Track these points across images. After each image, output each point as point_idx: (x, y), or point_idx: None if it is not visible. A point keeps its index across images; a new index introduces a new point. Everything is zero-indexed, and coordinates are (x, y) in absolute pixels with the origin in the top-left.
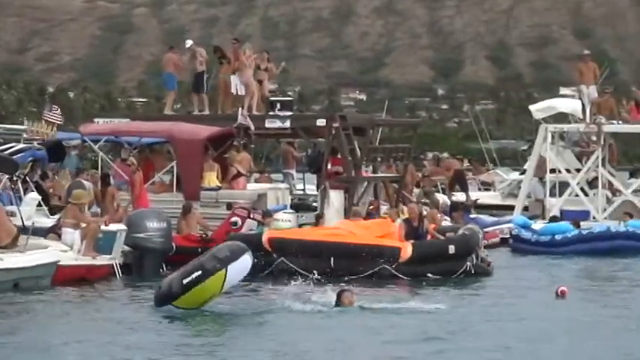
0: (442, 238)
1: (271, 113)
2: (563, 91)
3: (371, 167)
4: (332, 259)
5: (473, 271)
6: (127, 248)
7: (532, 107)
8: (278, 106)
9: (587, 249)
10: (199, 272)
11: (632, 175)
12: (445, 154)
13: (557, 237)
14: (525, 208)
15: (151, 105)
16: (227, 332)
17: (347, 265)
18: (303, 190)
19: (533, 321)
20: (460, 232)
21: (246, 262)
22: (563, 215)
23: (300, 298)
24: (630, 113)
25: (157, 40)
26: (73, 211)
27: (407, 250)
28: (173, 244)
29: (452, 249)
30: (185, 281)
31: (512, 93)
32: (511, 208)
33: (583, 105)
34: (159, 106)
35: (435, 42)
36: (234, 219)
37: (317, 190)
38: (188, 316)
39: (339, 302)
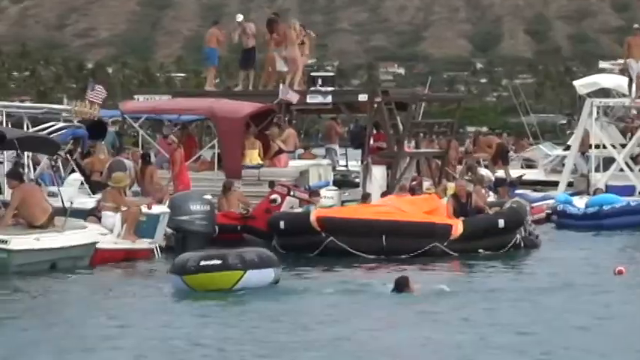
0: (490, 212)
1: (312, 89)
2: (602, 64)
3: (413, 142)
4: (383, 237)
5: (522, 244)
6: (169, 231)
7: (576, 82)
8: (319, 81)
9: (635, 221)
10: (219, 262)
11: None
12: (484, 129)
13: (606, 208)
14: (570, 184)
15: (189, 80)
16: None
17: (399, 244)
18: (346, 165)
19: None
20: (507, 205)
21: (267, 274)
22: (608, 190)
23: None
24: None
25: (195, 16)
26: (113, 195)
27: (458, 227)
28: (216, 227)
29: (502, 223)
30: (203, 263)
31: (551, 67)
32: (555, 184)
33: (630, 79)
34: (197, 81)
35: (473, 16)
36: (273, 196)
37: (360, 166)
38: (225, 297)
39: (402, 289)
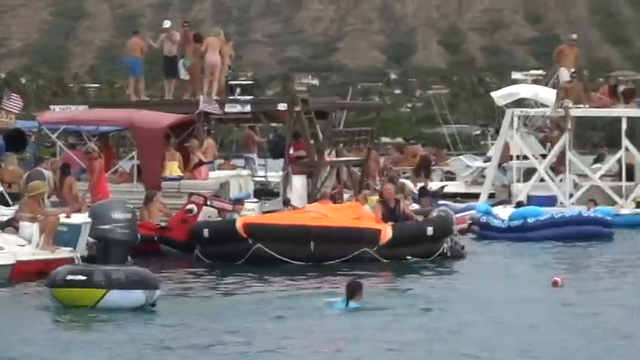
0: (419, 219)
1: (231, 98)
2: (515, 75)
3: (334, 151)
4: (312, 243)
5: (449, 254)
6: (91, 240)
7: (494, 94)
8: (238, 90)
9: (559, 234)
10: (84, 278)
11: (597, 160)
12: (400, 139)
13: (530, 220)
14: (491, 195)
15: (103, 90)
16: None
17: (327, 250)
18: (265, 175)
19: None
20: (435, 214)
21: (135, 296)
22: (530, 201)
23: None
24: (603, 99)
25: (109, 26)
26: (30, 205)
27: (387, 232)
28: (138, 236)
29: (430, 230)
30: (69, 277)
31: (465, 77)
32: (476, 196)
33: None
34: (111, 92)
35: (387, 27)
36: (189, 206)
37: (279, 176)
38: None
39: (354, 295)
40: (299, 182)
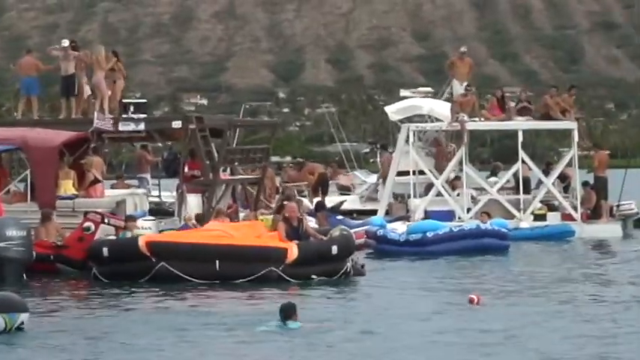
0: (322, 238)
1: (124, 116)
2: (403, 92)
3: (228, 170)
4: (217, 262)
5: (351, 273)
6: None
7: (388, 109)
8: (131, 108)
9: (458, 247)
10: None
11: (492, 174)
12: (288, 158)
13: (429, 234)
14: (387, 212)
15: None
16: None
17: (233, 268)
18: (159, 195)
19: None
20: (336, 233)
21: None
22: (428, 216)
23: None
24: (490, 110)
25: None
26: None
27: (293, 251)
28: (33, 254)
29: (335, 249)
30: None
31: (354, 95)
32: (372, 212)
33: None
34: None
35: (276, 45)
36: (87, 224)
37: (174, 195)
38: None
39: (290, 316)
40: (194, 201)
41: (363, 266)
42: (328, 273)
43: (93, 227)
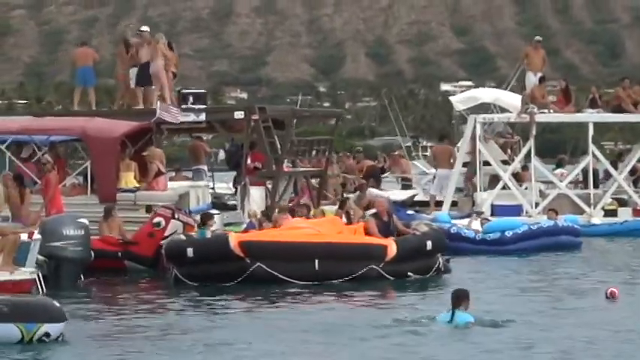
0: (411, 233)
1: (184, 106)
2: (444, 86)
3: (291, 162)
4: (316, 261)
5: (442, 269)
6: (41, 258)
7: (453, 99)
8: (191, 98)
9: (535, 246)
10: None
11: (558, 166)
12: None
13: (508, 233)
14: (454, 204)
15: (32, 106)
16: None
17: (333, 268)
18: (213, 187)
19: None
20: (424, 228)
21: (7, 331)
22: (494, 211)
23: None
24: (558, 104)
25: (35, 42)
26: None
27: (392, 247)
28: (92, 253)
29: (430, 245)
30: None
31: (395, 89)
32: (437, 204)
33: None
34: (40, 108)
35: (315, 40)
36: (157, 219)
37: (229, 187)
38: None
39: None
40: (257, 194)
41: (448, 260)
42: (423, 270)
43: (163, 222)
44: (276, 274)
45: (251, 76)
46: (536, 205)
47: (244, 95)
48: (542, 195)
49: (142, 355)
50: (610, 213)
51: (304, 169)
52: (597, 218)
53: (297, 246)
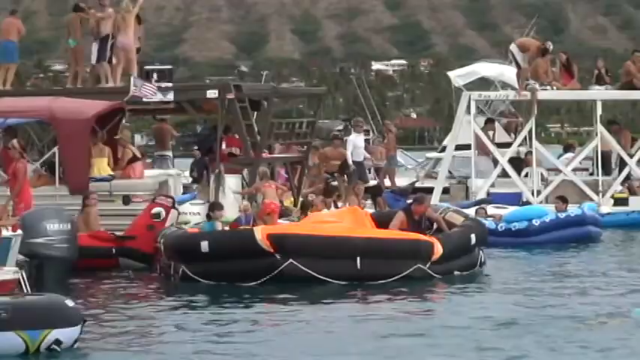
0: (446, 227)
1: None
2: (375, 65)
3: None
4: (358, 258)
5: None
6: (21, 258)
7: (451, 73)
8: (155, 76)
9: (562, 236)
10: None
11: (566, 151)
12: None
13: (535, 222)
14: (445, 191)
15: None
16: None
17: (377, 266)
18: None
19: None
20: (458, 218)
21: (8, 340)
22: (490, 198)
23: None
24: (561, 79)
25: None
26: None
27: (438, 245)
28: (77, 251)
29: (474, 239)
30: None
31: (324, 69)
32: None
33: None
34: None
35: (237, 15)
36: (156, 210)
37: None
38: None
39: None
40: (233, 183)
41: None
42: (468, 266)
43: (164, 213)
44: (311, 272)
45: (167, 54)
46: (538, 193)
47: None
48: (545, 181)
49: None
50: (620, 202)
51: (284, 155)
52: (607, 207)
53: (337, 241)
